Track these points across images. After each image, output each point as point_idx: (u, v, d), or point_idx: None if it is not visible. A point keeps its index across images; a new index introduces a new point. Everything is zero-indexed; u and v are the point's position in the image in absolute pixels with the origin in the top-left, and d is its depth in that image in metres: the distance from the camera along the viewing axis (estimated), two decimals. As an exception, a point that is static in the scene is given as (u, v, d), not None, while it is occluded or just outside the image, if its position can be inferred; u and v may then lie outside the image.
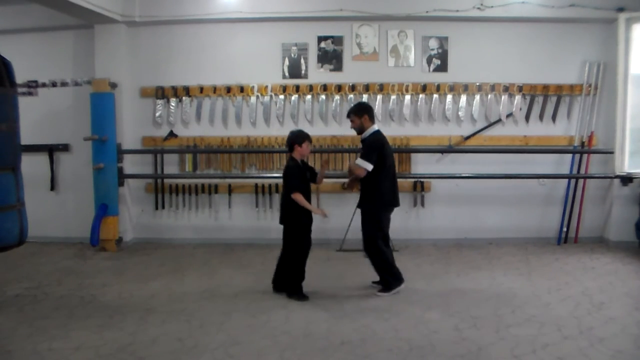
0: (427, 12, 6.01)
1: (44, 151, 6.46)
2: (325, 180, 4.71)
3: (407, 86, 6.18)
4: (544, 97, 6.19)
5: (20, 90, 5.61)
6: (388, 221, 4.57)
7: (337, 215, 5.95)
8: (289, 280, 4.38)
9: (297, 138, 4.38)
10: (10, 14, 6.32)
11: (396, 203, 4.56)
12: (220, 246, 6.26)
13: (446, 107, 6.22)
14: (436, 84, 6.17)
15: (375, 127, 4.49)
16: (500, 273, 5.06)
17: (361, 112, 4.44)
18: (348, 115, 4.57)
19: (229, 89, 6.30)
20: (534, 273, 5.05)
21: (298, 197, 4.24)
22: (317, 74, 6.28)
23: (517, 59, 6.20)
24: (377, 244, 4.41)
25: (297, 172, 4.32)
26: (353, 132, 6.15)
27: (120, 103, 6.21)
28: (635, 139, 5.95)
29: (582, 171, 6.18)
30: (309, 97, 6.26)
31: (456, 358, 3.26)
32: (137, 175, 6.41)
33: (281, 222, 4.42)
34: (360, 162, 4.32)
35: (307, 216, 4.35)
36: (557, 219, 6.29)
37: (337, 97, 6.23)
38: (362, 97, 6.20)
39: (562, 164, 6.24)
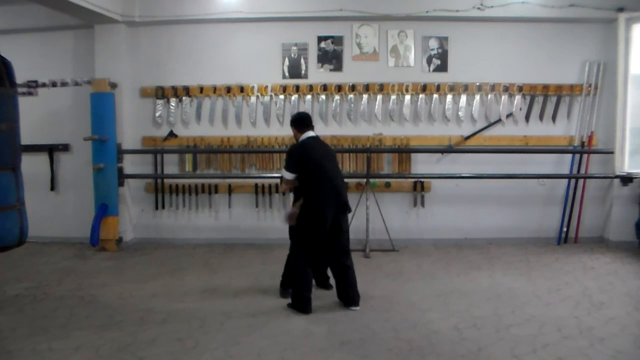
0: (427, 12, 6.01)
1: (44, 151, 6.46)
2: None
3: (407, 86, 6.18)
4: (544, 97, 6.19)
5: (20, 90, 5.61)
6: (326, 233, 4.07)
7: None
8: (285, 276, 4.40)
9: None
10: (10, 14, 6.32)
11: (332, 212, 4.03)
12: (220, 246, 6.26)
13: (446, 107, 6.22)
14: (436, 84, 6.17)
15: (309, 134, 4.20)
16: (500, 273, 5.06)
17: (291, 125, 4.32)
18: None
19: (229, 89, 6.30)
20: (534, 273, 5.05)
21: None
22: (317, 74, 6.28)
23: (517, 59, 6.20)
24: (297, 258, 4.10)
25: None
26: (353, 132, 6.26)
27: (120, 103, 6.21)
28: (635, 139, 5.96)
29: (582, 171, 6.18)
30: (309, 97, 6.26)
31: (456, 358, 3.26)
32: (137, 175, 6.41)
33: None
34: (282, 172, 4.21)
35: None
36: (557, 219, 6.29)
37: (337, 97, 6.23)
38: (362, 97, 6.20)
39: (562, 164, 6.24)
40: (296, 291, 4.07)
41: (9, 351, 3.41)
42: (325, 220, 4.00)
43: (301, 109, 6.28)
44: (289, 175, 4.12)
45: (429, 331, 3.65)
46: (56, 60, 6.47)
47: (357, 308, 4.08)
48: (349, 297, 4.12)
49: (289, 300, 4.16)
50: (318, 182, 4.03)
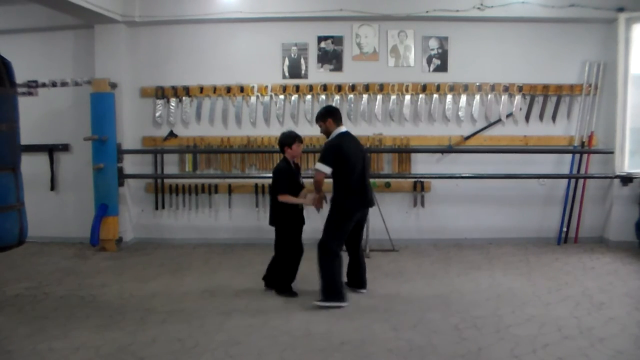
0: (427, 12, 6.01)
1: (44, 151, 6.46)
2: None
3: (407, 86, 6.18)
4: (544, 97, 6.19)
5: (20, 90, 5.61)
6: (355, 223, 4.32)
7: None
8: (279, 279, 4.45)
9: (287, 139, 4.43)
10: (10, 14, 6.32)
11: (367, 204, 4.38)
12: (220, 246, 6.26)
13: (446, 107, 6.22)
14: (436, 84, 6.17)
15: (343, 128, 4.36)
16: (500, 273, 5.06)
17: (325, 117, 4.37)
18: (316, 121, 4.51)
19: (229, 89, 6.30)
20: (534, 273, 5.05)
21: (285, 198, 4.29)
22: (317, 74, 6.28)
23: (517, 59, 6.20)
24: (328, 250, 4.16)
25: (286, 174, 4.36)
26: (353, 132, 6.15)
27: (120, 103, 6.21)
28: (635, 139, 5.96)
29: (582, 171, 6.18)
30: (309, 97, 6.26)
31: (456, 358, 3.26)
32: (137, 175, 6.41)
33: (271, 223, 4.48)
34: (317, 165, 4.22)
35: (297, 218, 4.41)
36: (557, 219, 6.29)
37: (337, 97, 6.24)
38: (362, 97, 6.21)
39: (562, 164, 6.24)
40: (331, 283, 4.13)
41: (9, 351, 3.41)
42: (359, 213, 4.34)
43: (301, 109, 6.30)
44: (327, 169, 4.17)
45: (429, 331, 3.65)
46: (56, 60, 6.46)
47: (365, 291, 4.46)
48: (363, 280, 4.50)
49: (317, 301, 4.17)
50: (353, 177, 4.22)
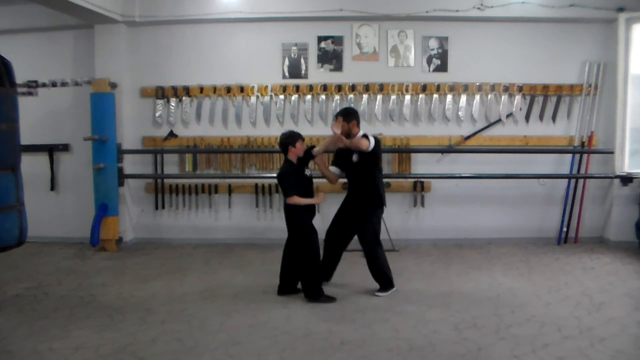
0: (427, 12, 6.01)
1: (44, 151, 6.46)
2: (324, 179, 4.70)
3: (407, 86, 6.18)
4: (544, 97, 6.20)
5: (20, 90, 5.61)
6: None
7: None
8: (309, 285, 4.29)
9: (290, 139, 4.36)
10: (10, 14, 6.32)
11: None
12: (220, 246, 6.26)
13: (446, 107, 6.22)
14: (436, 84, 6.17)
15: (362, 133, 4.44)
16: (500, 273, 5.06)
17: (349, 118, 4.41)
18: (335, 119, 4.54)
19: (229, 89, 6.30)
20: (534, 273, 5.05)
21: (295, 200, 4.24)
22: (317, 74, 6.28)
23: (517, 59, 6.20)
24: (380, 243, 4.50)
25: (291, 176, 4.30)
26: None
27: (120, 103, 6.21)
28: (635, 139, 5.95)
29: (582, 171, 6.18)
30: (309, 97, 6.27)
31: (456, 358, 3.26)
32: (137, 175, 6.41)
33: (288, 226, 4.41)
34: (369, 139, 4.33)
35: (310, 215, 4.36)
36: (557, 219, 6.29)
37: (337, 97, 6.23)
38: (362, 97, 6.20)
39: (562, 164, 6.24)
40: (386, 273, 4.47)
41: (9, 351, 3.41)
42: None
43: (301, 109, 6.30)
44: (372, 144, 4.29)
45: (429, 331, 3.65)
46: (56, 60, 6.47)
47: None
48: (332, 273, 4.70)
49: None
50: (381, 178, 4.54)
